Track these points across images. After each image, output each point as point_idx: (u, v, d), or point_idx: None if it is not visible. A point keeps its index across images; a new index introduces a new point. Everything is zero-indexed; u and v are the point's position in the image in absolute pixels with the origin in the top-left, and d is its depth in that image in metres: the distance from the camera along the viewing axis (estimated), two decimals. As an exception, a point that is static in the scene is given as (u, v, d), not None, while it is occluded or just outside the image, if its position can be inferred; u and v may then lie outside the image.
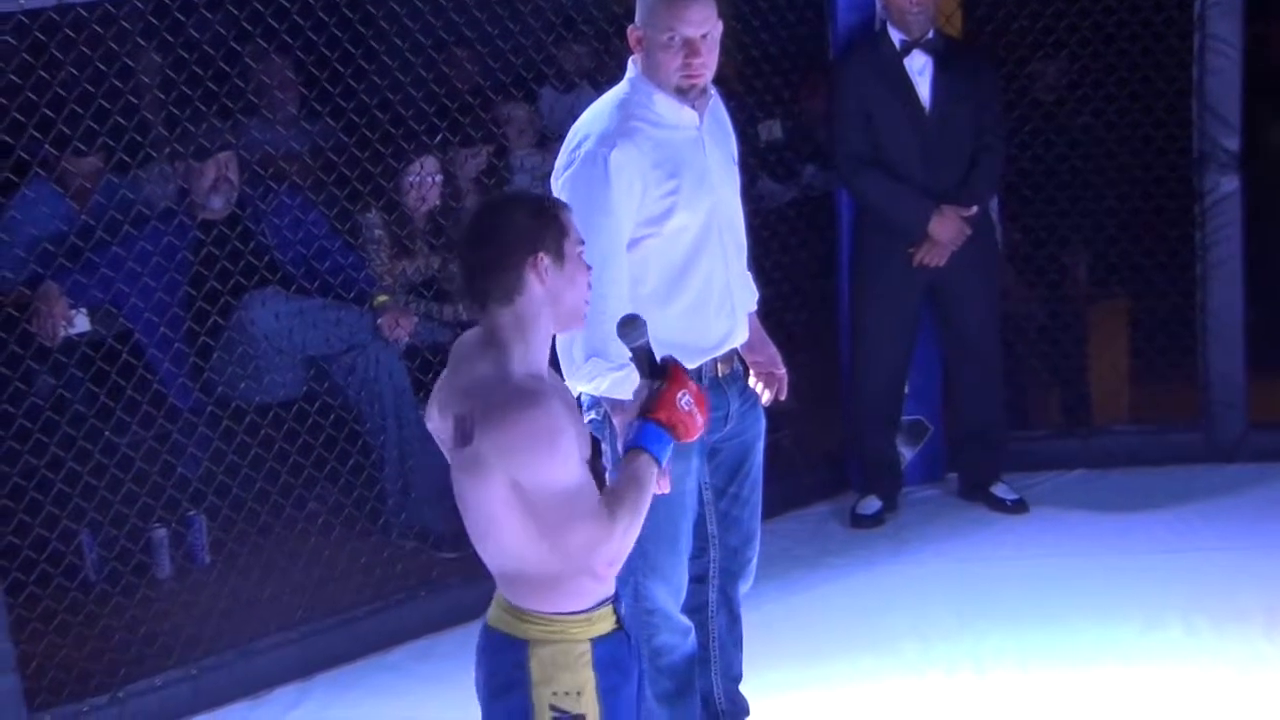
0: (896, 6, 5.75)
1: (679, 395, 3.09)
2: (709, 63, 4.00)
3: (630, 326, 3.18)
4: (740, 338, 4.17)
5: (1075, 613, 5.23)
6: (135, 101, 5.08)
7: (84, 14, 4.83)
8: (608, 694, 3.07)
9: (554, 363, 3.91)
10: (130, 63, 5.11)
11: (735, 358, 4.17)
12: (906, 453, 6.18)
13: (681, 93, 3.99)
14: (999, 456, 6.12)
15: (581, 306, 3.08)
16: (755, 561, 4.33)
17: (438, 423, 3.14)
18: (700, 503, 4.16)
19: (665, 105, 3.99)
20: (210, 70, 5.19)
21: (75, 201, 5.43)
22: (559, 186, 3.95)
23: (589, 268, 3.08)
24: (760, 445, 4.26)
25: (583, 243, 3.08)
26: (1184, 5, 6.10)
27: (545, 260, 2.99)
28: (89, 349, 5.29)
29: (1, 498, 4.93)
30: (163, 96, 5.14)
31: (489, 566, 3.12)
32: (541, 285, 2.99)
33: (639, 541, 3.81)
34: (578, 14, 6.00)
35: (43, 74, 4.84)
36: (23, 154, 4.90)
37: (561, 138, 4.08)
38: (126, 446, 5.13)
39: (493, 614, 3.14)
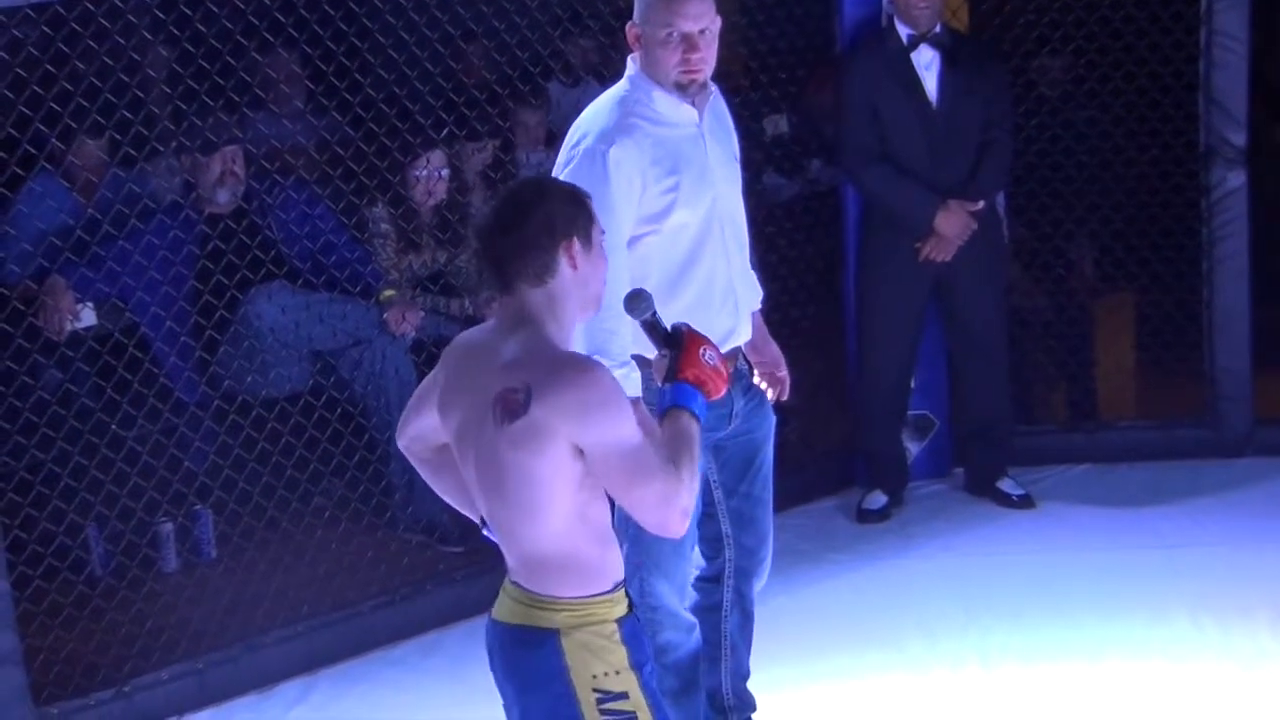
0: (903, 1, 5.75)
1: (700, 351, 3.13)
2: (708, 58, 3.99)
3: (636, 300, 3.21)
4: (744, 335, 4.16)
5: (1081, 608, 5.23)
6: (141, 95, 5.08)
7: (91, 8, 4.82)
8: (642, 668, 3.09)
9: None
10: (136, 56, 5.11)
11: (739, 355, 4.16)
12: (912, 448, 6.18)
13: (681, 89, 3.98)
14: (1005, 451, 6.12)
15: (602, 293, 3.13)
16: (770, 559, 4.32)
17: (417, 429, 3.20)
18: (711, 503, 4.16)
19: (665, 102, 3.99)
20: (217, 64, 5.19)
21: (81, 195, 5.43)
22: None
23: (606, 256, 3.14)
24: (770, 444, 4.24)
25: (603, 232, 3.13)
26: (1190, 0, 6.09)
27: (578, 245, 3.04)
28: (95, 343, 5.29)
29: (8, 492, 4.93)
30: (169, 90, 5.13)
31: (516, 555, 3.10)
32: (573, 269, 3.04)
33: (643, 539, 3.83)
34: (583, 8, 6.00)
35: (49, 68, 4.84)
36: (29, 148, 4.89)
37: (566, 134, 4.08)
38: (133, 440, 5.13)
39: (507, 609, 3.13)
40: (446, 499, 3.39)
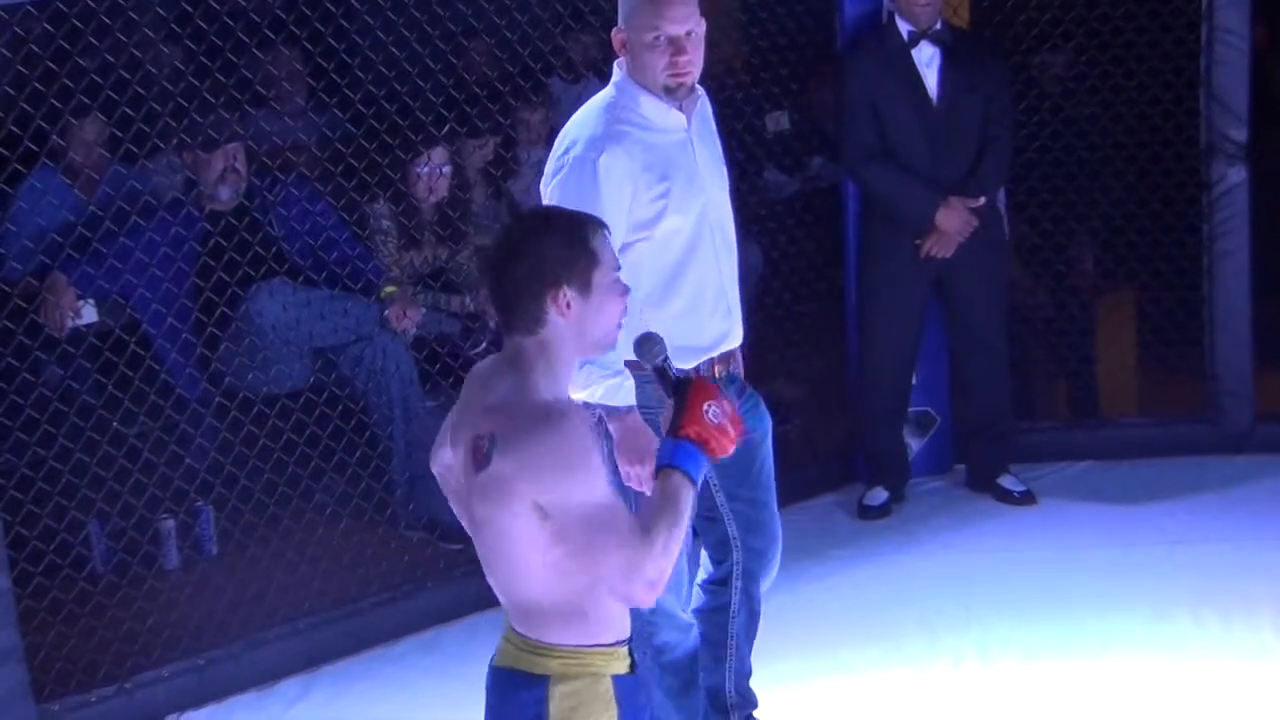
0: (904, -2, 5.75)
1: (704, 408, 2.94)
2: (695, 60, 3.97)
3: (647, 345, 3.06)
4: (736, 339, 4.15)
5: (1082, 604, 5.23)
6: (143, 92, 5.08)
7: (91, 4, 4.82)
8: None
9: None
10: (138, 53, 5.11)
11: (732, 358, 4.15)
12: (913, 444, 6.18)
13: (669, 92, 3.97)
14: (1006, 448, 6.12)
15: (611, 334, 2.95)
16: (778, 559, 4.32)
17: (448, 459, 3.00)
18: (714, 507, 4.15)
19: (652, 108, 3.98)
20: (218, 61, 5.19)
21: (82, 192, 5.43)
22: (548, 192, 3.94)
23: (625, 290, 2.96)
24: (768, 444, 4.23)
25: (619, 268, 2.95)
26: (1191, -4, 6.10)
27: (569, 293, 2.86)
28: (96, 340, 5.30)
29: (9, 488, 4.93)
30: (170, 87, 5.14)
31: (504, 600, 2.97)
32: (564, 318, 2.88)
33: None
34: (585, 4, 6.00)
35: (50, 64, 4.84)
36: (31, 145, 4.90)
37: None
38: (134, 437, 5.13)
39: (504, 654, 2.98)
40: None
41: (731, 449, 2.98)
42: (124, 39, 4.96)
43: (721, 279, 4.08)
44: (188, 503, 5.44)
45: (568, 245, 2.88)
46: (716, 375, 4.08)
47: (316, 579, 5.33)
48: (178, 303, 5.43)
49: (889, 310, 5.91)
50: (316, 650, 5.21)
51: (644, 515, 2.87)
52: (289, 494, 5.38)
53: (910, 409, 6.12)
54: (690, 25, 3.94)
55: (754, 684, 4.42)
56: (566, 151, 3.93)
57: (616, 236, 3.88)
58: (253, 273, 5.45)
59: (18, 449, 5.01)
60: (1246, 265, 6.17)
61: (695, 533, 4.18)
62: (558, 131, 4.09)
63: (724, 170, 4.17)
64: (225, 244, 5.41)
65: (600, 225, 2.95)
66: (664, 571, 2.83)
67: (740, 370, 4.18)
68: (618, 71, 4.02)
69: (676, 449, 2.92)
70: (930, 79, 5.78)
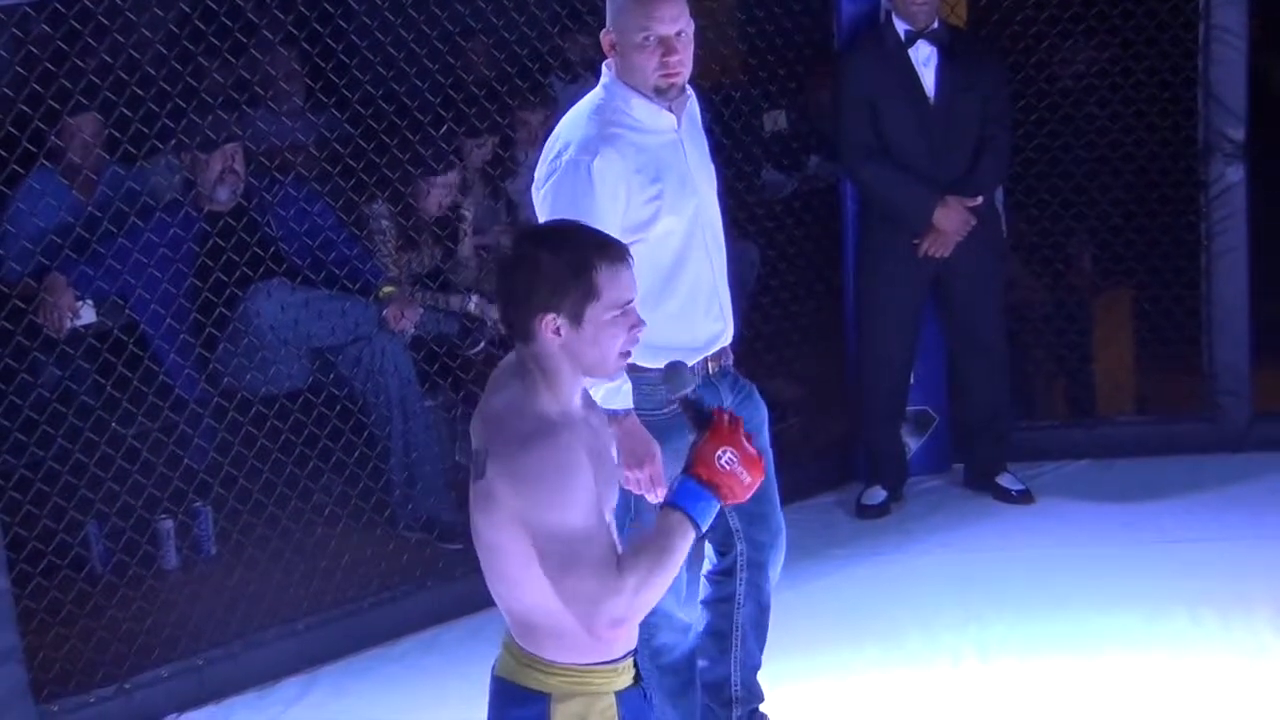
0: (902, -3, 5.75)
1: (717, 453, 2.84)
2: (686, 60, 3.97)
3: (674, 375, 2.99)
4: (729, 337, 4.16)
5: (1080, 603, 5.23)
6: (141, 93, 5.08)
7: (90, 5, 4.82)
8: None
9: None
10: (136, 54, 5.11)
11: (726, 354, 4.16)
12: (912, 443, 6.18)
13: (660, 92, 3.96)
14: (1005, 447, 6.12)
15: (606, 365, 2.87)
16: (784, 549, 4.31)
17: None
18: None
19: (643, 109, 3.97)
20: (216, 61, 5.19)
21: (81, 193, 5.43)
22: (541, 196, 3.93)
23: (635, 324, 2.86)
24: (765, 435, 4.24)
25: (626, 304, 2.84)
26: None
27: (558, 321, 2.81)
28: (95, 340, 5.30)
29: (8, 489, 4.93)
30: (169, 88, 5.14)
31: (506, 613, 2.92)
32: (555, 340, 2.83)
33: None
34: (583, 4, 6.00)
35: (49, 65, 4.85)
36: (29, 145, 4.90)
37: None
38: (133, 438, 5.13)
39: (505, 664, 2.94)
40: None
41: (744, 497, 2.89)
42: (122, 39, 4.95)
43: (714, 279, 4.08)
44: (186, 503, 5.45)
45: (565, 273, 2.81)
46: (710, 371, 4.08)
47: (315, 579, 5.33)
48: (176, 303, 5.43)
49: (887, 309, 5.91)
50: (315, 651, 5.21)
51: (628, 550, 2.81)
52: (287, 494, 5.38)
53: (908, 408, 6.13)
54: (680, 25, 3.94)
55: (752, 681, 4.43)
56: (559, 155, 3.92)
57: None
58: (251, 273, 5.45)
59: (16, 449, 5.01)
60: (1244, 264, 6.17)
61: None
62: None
63: (712, 169, 4.17)
64: (223, 244, 5.41)
65: (617, 257, 2.86)
66: (634, 611, 2.77)
67: (731, 362, 4.19)
68: (606, 73, 4.02)
69: (682, 488, 2.85)
70: (928, 78, 5.78)
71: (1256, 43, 6.31)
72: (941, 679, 4.89)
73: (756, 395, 4.22)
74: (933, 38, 5.77)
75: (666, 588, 2.81)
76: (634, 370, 3.80)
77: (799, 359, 6.40)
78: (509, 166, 6.19)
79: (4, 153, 4.83)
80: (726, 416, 2.89)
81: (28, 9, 4.79)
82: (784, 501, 4.30)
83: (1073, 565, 5.51)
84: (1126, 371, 6.68)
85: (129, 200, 5.24)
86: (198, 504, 5.47)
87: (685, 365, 3.03)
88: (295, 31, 5.52)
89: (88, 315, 5.33)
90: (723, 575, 4.26)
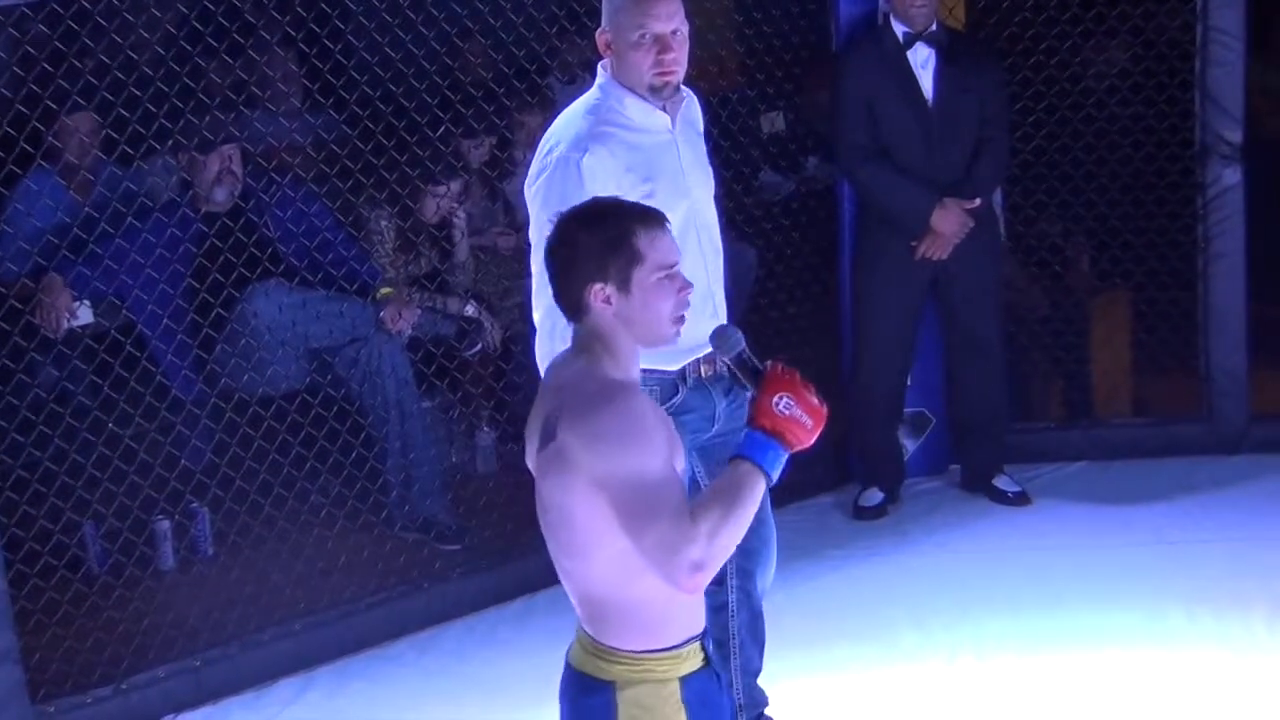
0: (900, -1, 5.76)
1: (774, 400, 2.90)
2: (681, 59, 3.98)
3: (723, 337, 3.01)
4: None
5: (1077, 603, 5.23)
6: (138, 93, 5.08)
7: (87, 6, 4.82)
8: None
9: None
10: (133, 54, 5.11)
11: (719, 359, 4.15)
12: (909, 444, 6.18)
13: (655, 91, 3.97)
14: (1001, 448, 6.12)
15: (663, 328, 2.93)
16: (774, 557, 4.31)
17: (533, 457, 3.01)
18: None
19: (637, 108, 3.98)
20: (214, 62, 5.19)
21: (78, 193, 5.43)
22: (533, 194, 3.94)
23: (683, 286, 2.92)
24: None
25: (670, 266, 2.91)
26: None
27: (607, 290, 2.88)
28: (92, 341, 5.30)
29: (5, 490, 4.93)
30: (166, 88, 5.14)
31: (575, 597, 2.95)
32: (607, 309, 2.89)
33: None
34: (580, 6, 6.00)
35: (45, 66, 4.85)
36: (26, 146, 4.90)
37: None
38: (129, 438, 5.13)
39: (576, 653, 2.97)
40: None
41: (809, 440, 2.95)
42: (119, 39, 4.95)
43: (708, 280, 4.08)
44: (183, 504, 5.44)
45: (607, 241, 2.88)
46: (703, 374, 4.08)
47: (312, 580, 5.33)
48: (173, 304, 5.43)
49: (884, 311, 5.91)
50: (312, 651, 5.21)
51: (700, 498, 2.84)
52: (284, 495, 5.38)
53: (905, 409, 6.13)
54: (676, 24, 3.95)
55: (749, 679, 4.43)
56: (550, 152, 3.94)
57: None
58: (248, 274, 5.45)
59: (13, 450, 5.01)
60: (1241, 266, 6.17)
61: None
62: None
63: (709, 171, 4.17)
64: (220, 245, 5.41)
65: (655, 222, 2.93)
66: (711, 557, 2.77)
67: (727, 368, 4.17)
68: (602, 73, 4.03)
69: (747, 439, 2.89)
70: (926, 80, 5.78)
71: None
72: (937, 677, 4.90)
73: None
74: (931, 40, 5.77)
75: (740, 536, 2.83)
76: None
77: (796, 360, 6.36)
78: (506, 168, 6.19)
79: (1, 153, 4.83)
80: (780, 366, 2.94)
81: (25, 9, 4.78)
82: (781, 503, 4.32)
83: (1069, 566, 5.51)
84: (1123, 373, 6.68)
85: (126, 200, 5.24)
86: (194, 504, 5.47)
87: (733, 327, 3.04)
88: (293, 32, 5.52)
89: (85, 316, 5.33)
90: (715, 585, 4.25)
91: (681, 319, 2.95)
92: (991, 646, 5.03)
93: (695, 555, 2.75)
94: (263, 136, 5.72)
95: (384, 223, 5.84)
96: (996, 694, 4.80)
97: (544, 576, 5.47)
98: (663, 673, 2.90)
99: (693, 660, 2.94)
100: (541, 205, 3.90)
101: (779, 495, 4.37)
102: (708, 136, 4.27)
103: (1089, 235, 6.50)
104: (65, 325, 5.25)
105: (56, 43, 4.84)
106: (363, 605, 5.35)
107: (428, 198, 5.82)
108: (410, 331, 5.69)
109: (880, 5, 5.89)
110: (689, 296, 2.95)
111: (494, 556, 5.58)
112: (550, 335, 3.88)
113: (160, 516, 5.38)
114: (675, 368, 3.98)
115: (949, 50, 5.79)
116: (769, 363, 2.97)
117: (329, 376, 5.64)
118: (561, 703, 3.02)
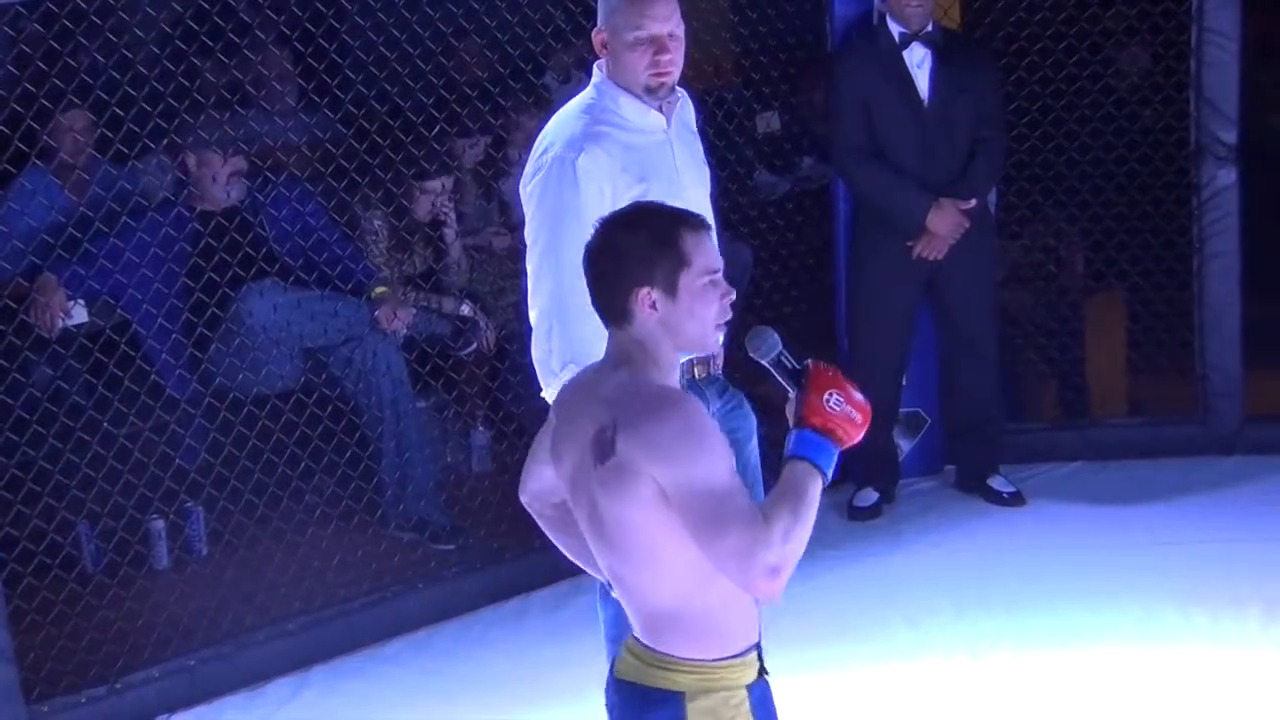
0: (896, -1, 5.76)
1: (824, 397, 2.87)
2: (677, 60, 3.98)
3: (759, 338, 2.95)
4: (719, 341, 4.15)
5: (1071, 603, 5.24)
6: (134, 93, 5.07)
7: (82, 5, 4.82)
8: None
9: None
10: (128, 54, 5.11)
11: (713, 361, 4.15)
12: (904, 445, 6.19)
13: (651, 92, 3.97)
14: (996, 449, 6.12)
15: (705, 335, 2.89)
16: None
17: (546, 480, 3.00)
18: None
19: (632, 108, 3.98)
20: (210, 61, 5.18)
21: (73, 192, 5.42)
22: (528, 194, 3.94)
23: (727, 292, 2.90)
24: (754, 443, 4.23)
25: (715, 271, 2.88)
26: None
27: (653, 294, 2.83)
28: (87, 340, 5.29)
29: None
30: (161, 87, 5.13)
31: (637, 611, 2.89)
32: (653, 316, 2.84)
33: None
34: (575, 5, 6.00)
35: (41, 65, 4.84)
36: (21, 145, 4.90)
37: None
38: (124, 438, 5.13)
39: (630, 667, 2.90)
40: (572, 558, 3.16)
41: (858, 436, 2.92)
42: (115, 39, 4.95)
43: None
44: (178, 503, 5.44)
45: (653, 245, 2.83)
46: (696, 376, 4.08)
47: (307, 579, 5.33)
48: (168, 303, 5.42)
49: (880, 311, 5.92)
50: (307, 651, 5.21)
51: (766, 502, 2.78)
52: (279, 494, 5.38)
53: (901, 410, 6.13)
54: (673, 25, 3.95)
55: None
56: (545, 152, 3.94)
57: None
58: (243, 273, 5.44)
59: (7, 449, 5.00)
60: (1236, 266, 6.18)
61: None
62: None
63: (705, 172, 4.16)
64: (215, 244, 5.40)
65: (699, 225, 2.89)
66: (786, 560, 2.72)
67: (720, 369, 4.18)
68: (597, 73, 4.03)
69: (800, 439, 2.84)
70: (921, 80, 5.78)
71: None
72: (933, 677, 4.90)
73: (746, 405, 4.21)
74: (927, 40, 5.77)
75: (808, 536, 2.79)
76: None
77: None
78: (501, 167, 6.19)
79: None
80: (821, 363, 2.91)
81: (19, 8, 4.77)
82: (776, 502, 4.32)
83: (1064, 566, 5.51)
84: (1118, 374, 6.68)
85: (121, 200, 5.24)
86: (189, 504, 5.46)
87: (769, 328, 2.97)
88: (288, 31, 5.52)
89: (79, 315, 5.32)
90: None
91: (724, 326, 2.91)
92: (987, 646, 5.04)
93: (772, 560, 2.70)
94: (258, 136, 5.71)
95: (378, 222, 5.84)
96: (992, 693, 4.80)
97: (538, 576, 5.50)
98: (732, 680, 2.87)
99: (753, 668, 2.91)
100: (537, 205, 3.90)
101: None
102: (703, 135, 4.27)
103: (1084, 235, 6.51)
104: (60, 324, 5.24)
105: (51, 41, 4.84)
106: (357, 605, 5.35)
107: (419, 195, 5.82)
108: (405, 331, 5.69)
109: (876, 5, 5.89)
110: (730, 303, 2.91)
111: (488, 556, 5.58)
112: (547, 336, 3.88)
113: (155, 516, 5.38)
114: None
115: (944, 50, 5.78)
116: (808, 361, 2.93)
117: (324, 376, 5.64)
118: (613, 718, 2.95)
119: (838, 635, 5.14)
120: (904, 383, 6.06)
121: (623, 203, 3.89)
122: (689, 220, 2.89)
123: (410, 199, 5.82)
